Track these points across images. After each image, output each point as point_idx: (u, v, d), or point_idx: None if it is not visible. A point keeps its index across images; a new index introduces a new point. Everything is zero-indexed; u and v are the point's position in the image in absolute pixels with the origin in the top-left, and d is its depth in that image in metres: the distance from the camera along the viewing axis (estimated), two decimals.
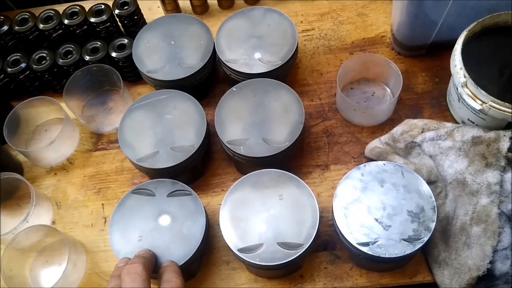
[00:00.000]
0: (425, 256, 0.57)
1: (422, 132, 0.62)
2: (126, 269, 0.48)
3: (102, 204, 0.64)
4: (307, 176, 0.63)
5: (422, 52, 0.70)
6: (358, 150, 0.64)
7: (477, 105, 0.56)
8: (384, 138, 0.63)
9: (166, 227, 0.55)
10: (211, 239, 0.59)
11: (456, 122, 0.64)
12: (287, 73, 0.68)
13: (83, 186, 0.66)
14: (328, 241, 0.59)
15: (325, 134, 0.66)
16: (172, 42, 0.67)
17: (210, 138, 0.65)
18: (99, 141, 0.69)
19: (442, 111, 0.66)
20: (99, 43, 0.70)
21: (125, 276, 0.47)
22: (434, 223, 0.51)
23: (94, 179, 0.66)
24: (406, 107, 0.66)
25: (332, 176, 0.63)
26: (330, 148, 0.65)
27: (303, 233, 0.53)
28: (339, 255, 0.58)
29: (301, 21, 0.75)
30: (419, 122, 0.63)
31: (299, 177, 0.62)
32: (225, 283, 0.58)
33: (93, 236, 0.62)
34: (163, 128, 0.61)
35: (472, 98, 0.57)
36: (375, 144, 0.62)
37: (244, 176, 0.56)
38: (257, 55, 0.65)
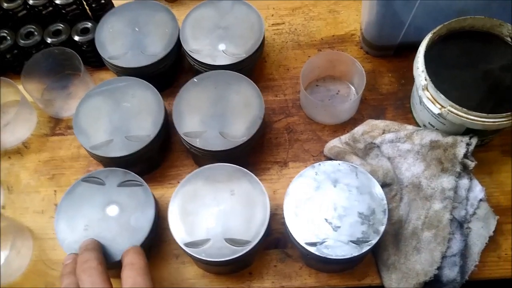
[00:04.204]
0: (375, 259, 0.57)
1: (383, 133, 0.62)
2: (80, 267, 0.46)
3: (55, 191, 0.63)
4: (265, 172, 0.62)
5: (390, 52, 0.69)
6: (318, 148, 0.63)
7: (436, 109, 0.56)
8: (345, 137, 0.62)
9: (113, 218, 0.53)
10: (162, 231, 0.58)
11: (418, 125, 0.64)
12: (253, 66, 0.67)
13: (37, 171, 0.64)
14: (279, 239, 0.58)
15: (287, 131, 0.65)
16: (137, 29, 0.66)
17: (170, 129, 0.63)
18: (57, 126, 0.68)
19: (405, 113, 0.65)
20: (62, 25, 0.69)
21: (81, 274, 0.46)
22: (384, 226, 0.51)
23: (48, 165, 0.65)
24: (369, 107, 0.66)
25: (290, 174, 0.62)
26: (291, 145, 0.64)
27: (252, 230, 0.52)
28: (289, 253, 0.57)
29: (272, 15, 0.74)
30: (380, 123, 0.62)
31: (257, 173, 0.62)
32: (173, 277, 0.57)
33: (42, 223, 0.61)
34: (119, 116, 0.59)
35: (432, 102, 0.56)
36: (335, 143, 0.62)
37: (198, 169, 0.55)
38: (222, 47, 0.64)
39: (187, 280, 0.57)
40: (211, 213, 0.53)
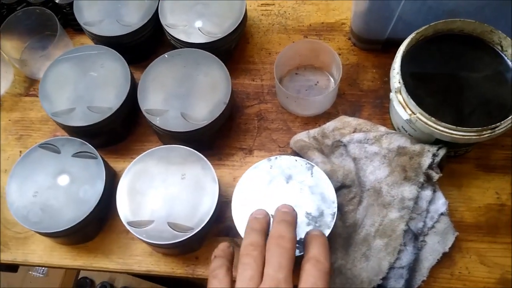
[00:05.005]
0: None
1: (354, 131, 0.59)
2: (275, 240, 0.43)
3: (20, 152, 0.63)
4: (228, 158, 0.61)
5: (378, 47, 0.65)
6: (286, 139, 0.61)
7: (405, 115, 0.53)
8: (314, 131, 0.60)
9: (63, 187, 0.53)
10: (116, 205, 0.58)
11: (393, 128, 0.61)
12: (232, 47, 0.65)
13: (5, 130, 0.64)
14: (231, 227, 0.57)
15: (257, 118, 0.63)
16: None
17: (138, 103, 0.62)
18: (32, 86, 0.67)
19: (382, 113, 0.62)
20: None
21: (272, 247, 0.42)
22: (330, 230, 0.49)
23: (18, 125, 0.65)
24: (346, 103, 0.63)
25: (253, 162, 0.60)
26: (259, 133, 0.62)
27: (196, 217, 0.51)
28: (239, 243, 0.56)
29: None
30: (353, 121, 0.60)
31: (220, 158, 0.61)
32: (121, 251, 0.57)
33: (3, 182, 0.61)
34: (85, 85, 0.59)
35: (403, 107, 0.53)
36: (301, 136, 0.60)
37: (153, 148, 0.55)
38: (198, 24, 0.61)
39: (135, 256, 0.57)
40: (159, 195, 0.52)
